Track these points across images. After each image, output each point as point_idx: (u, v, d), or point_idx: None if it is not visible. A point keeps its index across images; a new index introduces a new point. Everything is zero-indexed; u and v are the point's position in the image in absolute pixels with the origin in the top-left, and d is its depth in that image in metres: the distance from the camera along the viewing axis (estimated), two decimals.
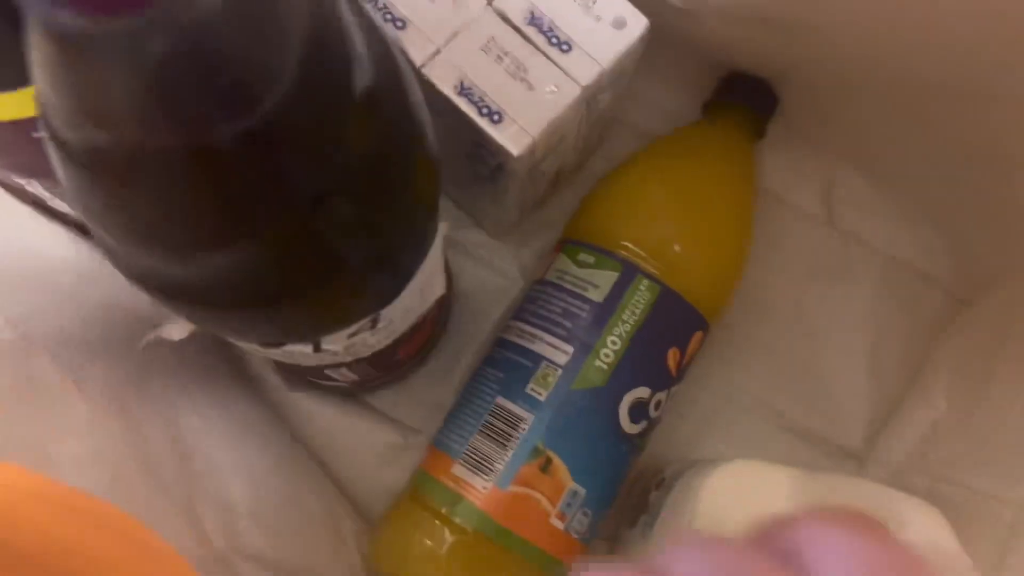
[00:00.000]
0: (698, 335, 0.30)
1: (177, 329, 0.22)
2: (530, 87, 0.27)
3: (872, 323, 0.37)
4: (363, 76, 0.16)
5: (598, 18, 0.28)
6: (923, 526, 0.19)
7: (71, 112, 0.13)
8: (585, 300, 0.30)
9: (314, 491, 0.32)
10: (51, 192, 0.25)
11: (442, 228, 0.23)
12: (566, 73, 0.28)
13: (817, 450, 0.36)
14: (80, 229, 0.28)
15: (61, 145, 0.13)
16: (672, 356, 0.29)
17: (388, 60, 0.18)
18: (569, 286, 0.31)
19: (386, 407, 0.35)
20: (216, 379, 0.31)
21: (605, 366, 0.29)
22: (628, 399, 0.29)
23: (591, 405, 0.29)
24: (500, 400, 0.29)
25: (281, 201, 0.15)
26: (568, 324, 0.30)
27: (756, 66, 0.34)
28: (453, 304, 0.35)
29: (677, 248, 0.30)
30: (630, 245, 0.31)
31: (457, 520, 0.28)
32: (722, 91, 0.35)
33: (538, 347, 0.30)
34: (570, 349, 0.29)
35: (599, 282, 0.30)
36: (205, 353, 0.32)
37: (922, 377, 0.36)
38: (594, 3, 0.28)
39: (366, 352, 0.24)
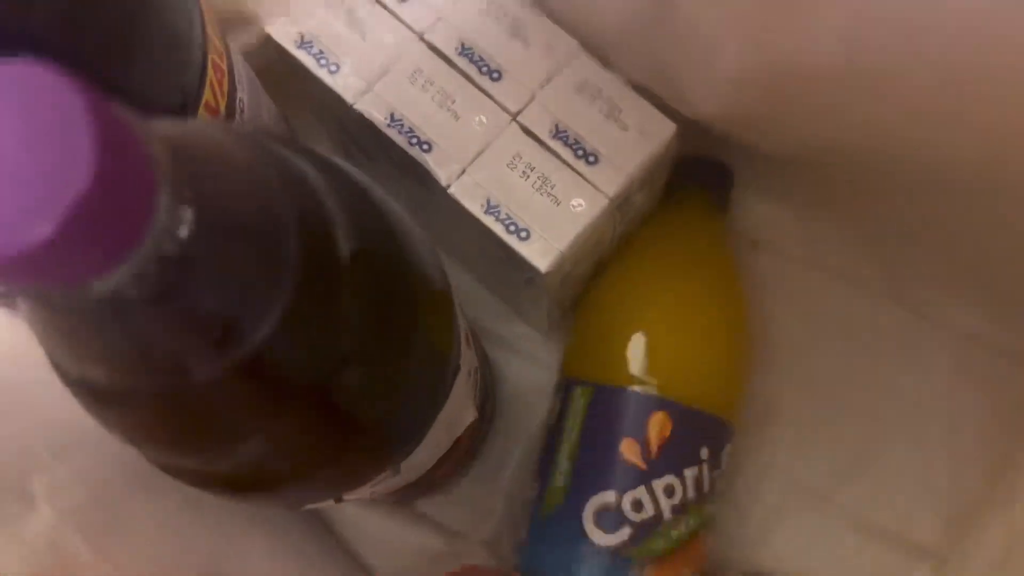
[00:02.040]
0: (657, 416, 0.28)
1: None
2: (557, 201, 0.27)
3: (947, 407, 0.34)
4: (347, 255, 0.15)
5: (624, 127, 0.27)
6: None
7: (64, 353, 0.13)
8: (548, 431, 0.31)
9: None
10: None
11: (467, 361, 0.23)
12: (593, 185, 0.27)
13: (890, 547, 0.33)
14: None
15: (62, 375, 0.14)
16: (629, 448, 0.28)
17: (374, 224, 0.17)
18: (546, 423, 0.32)
19: (434, 511, 0.35)
20: None
21: (561, 485, 0.29)
22: (590, 509, 0.28)
23: (556, 528, 0.28)
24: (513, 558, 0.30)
25: (285, 403, 0.14)
26: (540, 459, 0.31)
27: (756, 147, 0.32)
28: (493, 417, 0.34)
29: (608, 344, 0.30)
30: (566, 361, 0.32)
31: None
32: (677, 177, 0.32)
33: (527, 493, 0.31)
34: (537, 484, 0.30)
35: (554, 409, 0.31)
36: None
37: (1008, 470, 0.33)
38: (620, 112, 0.27)
39: (395, 487, 0.24)
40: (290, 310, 0.14)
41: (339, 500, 0.21)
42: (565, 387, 0.31)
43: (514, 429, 0.35)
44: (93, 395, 0.13)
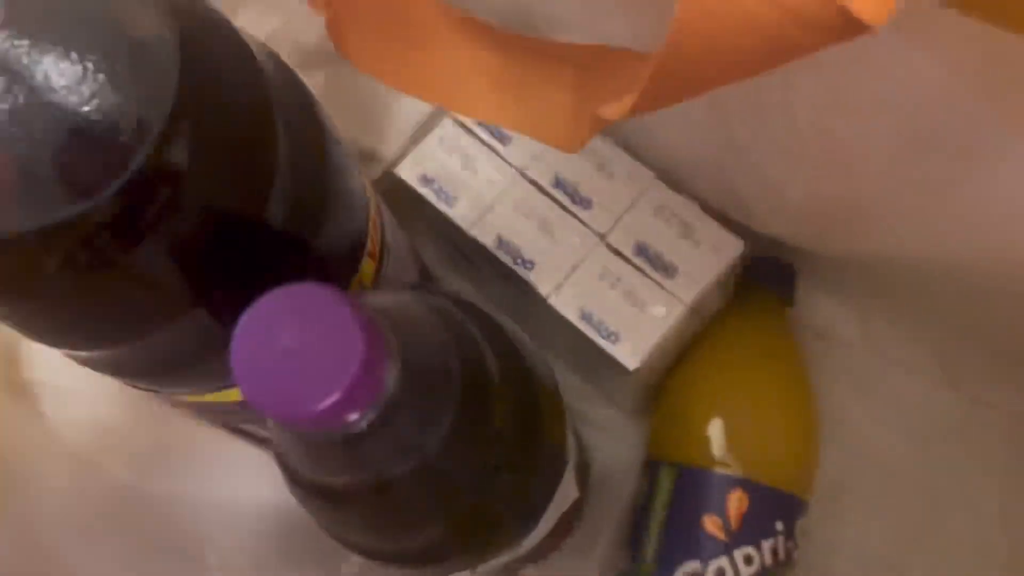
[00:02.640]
0: (736, 493, 0.32)
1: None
2: (642, 309, 0.32)
3: (1006, 487, 0.37)
4: (496, 386, 0.20)
5: (697, 244, 0.32)
6: None
7: (301, 465, 0.18)
8: (638, 508, 0.35)
9: None
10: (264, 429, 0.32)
11: (571, 448, 0.27)
12: (672, 294, 0.32)
13: None
14: None
15: (293, 478, 0.19)
16: (711, 522, 0.32)
17: (509, 351, 0.22)
18: (635, 501, 0.36)
19: None
20: None
21: (651, 556, 0.33)
22: None
23: None
24: None
25: (448, 503, 0.19)
26: (632, 533, 0.35)
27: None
28: (589, 491, 0.38)
29: (689, 429, 0.34)
30: (651, 443, 0.36)
31: None
32: (745, 276, 0.36)
33: (620, 565, 0.35)
34: (628, 556, 0.34)
35: (642, 488, 0.35)
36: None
37: None
38: (693, 231, 0.32)
39: (512, 559, 0.29)
40: (456, 427, 0.19)
41: (474, 571, 0.25)
42: (652, 468, 0.35)
43: (605, 504, 0.39)
44: (319, 493, 0.18)
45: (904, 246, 0.31)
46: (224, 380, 0.24)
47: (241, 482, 0.34)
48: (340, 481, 0.18)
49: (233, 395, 0.25)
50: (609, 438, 0.40)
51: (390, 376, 0.16)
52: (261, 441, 0.33)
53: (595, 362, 0.35)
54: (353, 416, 0.16)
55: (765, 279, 0.37)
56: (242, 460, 0.34)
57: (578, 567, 0.38)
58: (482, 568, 0.25)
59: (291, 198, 0.20)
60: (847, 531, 0.38)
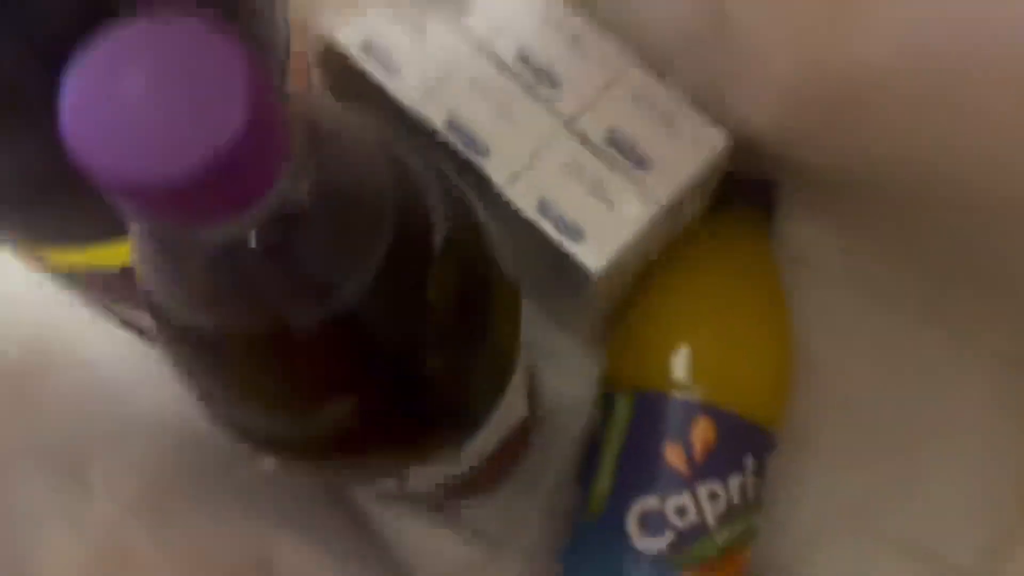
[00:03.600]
0: (701, 422, 0.28)
1: (269, 462, 0.23)
2: (610, 205, 0.28)
3: (985, 431, 0.34)
4: (440, 240, 0.16)
5: (678, 136, 0.28)
6: None
7: (169, 296, 0.13)
8: (589, 441, 0.32)
9: None
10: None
11: (522, 359, 0.23)
12: (646, 191, 0.28)
13: (926, 568, 0.33)
14: None
15: (159, 319, 0.14)
16: (673, 453, 0.28)
17: (461, 211, 0.18)
18: (587, 434, 0.33)
19: (472, 518, 0.35)
20: (305, 496, 0.32)
21: (603, 492, 0.29)
22: (633, 513, 0.28)
23: (599, 533, 0.29)
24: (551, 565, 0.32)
25: (369, 369, 0.15)
26: (581, 468, 0.31)
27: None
28: (537, 420, 0.34)
29: (652, 351, 0.30)
30: (606, 375, 0.32)
31: None
32: (724, 192, 0.33)
33: (568, 501, 0.32)
34: (579, 490, 0.31)
35: (595, 421, 0.32)
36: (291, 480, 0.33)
37: None
38: (674, 122, 0.28)
39: (449, 479, 0.24)
40: (381, 279, 0.14)
41: (403, 481, 0.21)
42: (607, 396, 0.32)
43: (552, 441, 0.35)
44: (195, 342, 0.14)
45: (897, 148, 0.28)
46: (90, 227, 0.19)
47: (131, 387, 0.29)
48: (219, 323, 0.13)
49: (107, 256, 0.20)
50: (561, 370, 0.37)
51: (290, 174, 0.12)
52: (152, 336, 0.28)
53: (552, 276, 0.31)
54: (228, 211, 0.11)
55: (745, 196, 0.33)
56: (133, 362, 0.29)
57: (522, 505, 0.35)
58: (414, 480, 0.21)
59: None
60: (816, 475, 0.35)
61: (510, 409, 0.24)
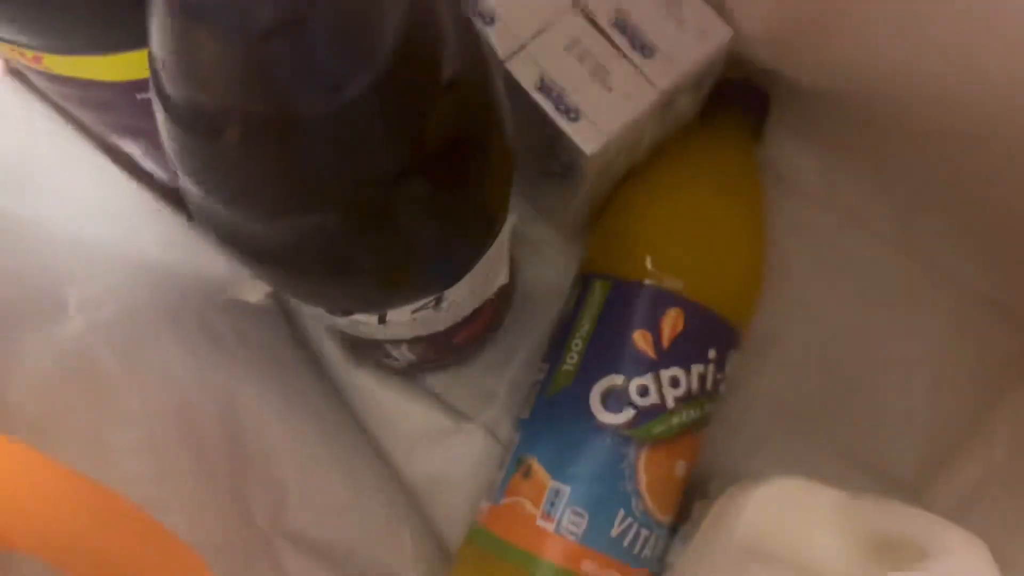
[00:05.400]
0: (672, 312, 0.30)
1: (253, 292, 0.23)
2: (609, 88, 0.28)
3: (938, 354, 0.36)
4: (452, 62, 0.16)
5: (682, 25, 0.28)
6: (967, 559, 0.18)
7: (181, 75, 0.14)
8: (561, 321, 0.33)
9: (366, 469, 0.33)
10: (144, 153, 0.27)
11: (511, 218, 0.24)
12: (646, 77, 0.28)
13: (868, 478, 0.35)
14: (168, 194, 0.29)
15: (167, 102, 0.14)
16: (641, 338, 0.29)
17: (475, 49, 0.18)
18: (560, 315, 0.33)
19: (440, 389, 0.36)
20: (276, 354, 0.32)
21: (571, 367, 0.30)
22: (598, 389, 0.29)
23: (562, 405, 0.30)
24: (511, 434, 0.32)
25: (363, 175, 0.15)
26: (550, 346, 0.32)
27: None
28: (514, 296, 0.35)
29: (631, 241, 0.31)
30: (587, 258, 0.33)
31: (471, 542, 0.31)
32: (717, 97, 0.34)
33: (534, 376, 0.32)
34: (546, 366, 0.32)
35: (570, 302, 0.33)
36: (266, 328, 0.33)
37: (986, 418, 0.35)
38: (680, 10, 0.28)
39: (427, 331, 0.25)
40: (386, 82, 0.15)
41: (383, 321, 0.22)
42: (584, 281, 0.32)
43: (525, 324, 0.36)
44: (202, 124, 0.14)
45: (880, 63, 0.28)
46: (93, 33, 0.19)
47: (115, 223, 0.29)
48: (225, 102, 0.13)
49: (103, 68, 0.20)
50: (540, 259, 0.37)
51: None
52: (142, 176, 0.28)
53: (542, 159, 0.31)
54: None
55: (738, 101, 0.34)
56: (120, 199, 0.29)
57: (488, 382, 0.36)
58: (393, 318, 0.22)
59: None
60: (770, 382, 0.36)
61: (494, 268, 0.25)
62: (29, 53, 0.20)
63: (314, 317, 0.34)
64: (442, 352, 0.30)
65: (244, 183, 0.15)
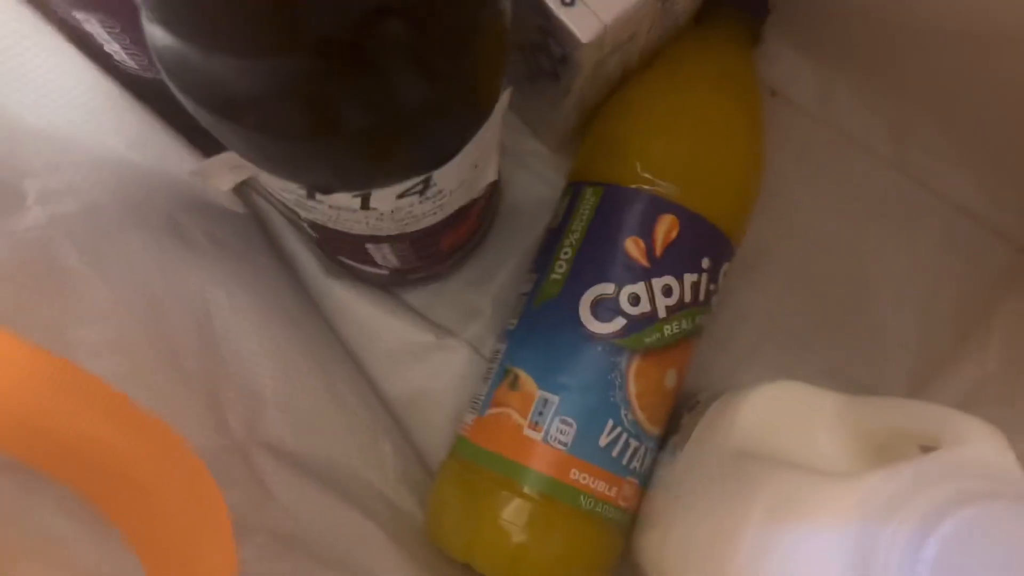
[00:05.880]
0: (666, 218, 0.28)
1: (224, 179, 0.22)
2: None
3: (930, 272, 0.35)
4: None
5: None
6: (983, 443, 0.18)
7: None
8: (549, 231, 0.31)
9: (346, 381, 0.32)
10: (108, 33, 0.25)
11: (503, 98, 0.22)
12: None
13: (859, 394, 0.35)
14: (133, 83, 0.27)
15: None
16: (634, 245, 0.28)
17: None
18: (548, 226, 0.32)
19: (422, 306, 0.35)
20: (250, 261, 0.31)
21: (559, 276, 0.29)
22: (587, 298, 0.28)
23: (551, 315, 0.29)
24: (495, 345, 0.31)
25: (349, 10, 0.14)
26: (538, 256, 0.31)
27: None
28: (499, 208, 0.34)
29: (625, 146, 0.30)
30: (577, 166, 0.32)
31: (456, 455, 0.30)
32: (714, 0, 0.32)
33: (522, 287, 0.31)
34: (534, 276, 0.30)
35: (559, 211, 0.31)
36: (239, 236, 0.32)
37: (976, 333, 0.34)
38: None
39: (411, 228, 0.24)
40: None
41: (365, 205, 0.20)
42: (574, 188, 0.31)
43: (510, 239, 0.35)
44: None
45: None
46: None
47: (76, 115, 0.27)
48: None
49: None
50: (527, 173, 0.36)
51: None
52: (103, 62, 0.26)
53: (536, 54, 0.29)
54: None
55: (735, 3, 0.32)
56: (80, 89, 0.27)
57: (473, 298, 0.35)
58: (376, 201, 0.20)
59: None
60: (760, 299, 0.35)
61: (482, 157, 0.23)
62: None
63: (290, 224, 0.33)
64: (425, 259, 0.29)
65: (221, 14, 0.13)
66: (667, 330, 0.29)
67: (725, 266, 0.31)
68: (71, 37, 0.26)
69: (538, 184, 0.36)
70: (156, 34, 0.15)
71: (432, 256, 0.29)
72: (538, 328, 0.29)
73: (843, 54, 0.35)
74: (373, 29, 0.14)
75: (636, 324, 0.28)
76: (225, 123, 0.16)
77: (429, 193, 0.21)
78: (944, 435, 0.18)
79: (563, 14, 0.26)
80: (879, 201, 0.36)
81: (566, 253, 0.30)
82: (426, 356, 0.34)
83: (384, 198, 0.20)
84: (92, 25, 0.24)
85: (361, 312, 0.33)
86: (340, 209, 0.21)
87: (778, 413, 0.23)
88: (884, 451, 0.21)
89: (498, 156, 0.25)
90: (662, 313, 0.29)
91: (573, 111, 0.32)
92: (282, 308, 0.31)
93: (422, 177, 0.20)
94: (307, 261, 0.33)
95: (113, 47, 0.26)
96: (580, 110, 0.33)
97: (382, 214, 0.22)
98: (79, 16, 0.24)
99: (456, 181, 0.22)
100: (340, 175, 0.18)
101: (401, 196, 0.21)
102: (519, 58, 0.31)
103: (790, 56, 0.36)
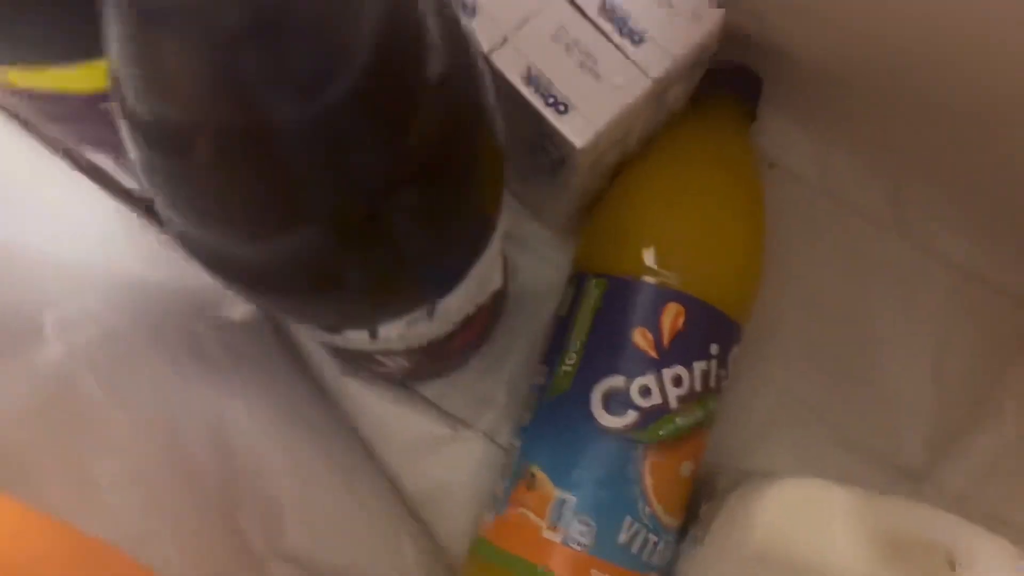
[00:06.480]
0: (671, 307, 0.29)
1: (238, 310, 0.22)
2: (598, 78, 0.27)
3: (939, 335, 0.35)
4: (436, 63, 0.15)
5: (672, 9, 0.27)
6: (997, 566, 0.18)
7: (143, 86, 0.12)
8: (557, 319, 0.31)
9: (365, 481, 0.32)
10: (118, 165, 0.25)
11: (503, 222, 0.23)
12: (636, 65, 0.27)
13: (874, 466, 0.34)
14: (144, 207, 0.28)
15: (132, 119, 0.13)
16: (641, 337, 0.28)
17: (461, 48, 0.17)
18: (556, 312, 0.32)
19: (436, 397, 0.35)
20: (266, 366, 0.31)
21: (570, 369, 0.29)
22: (599, 391, 0.28)
23: (562, 410, 0.29)
24: (511, 440, 0.31)
25: (347, 186, 0.14)
26: (548, 347, 0.31)
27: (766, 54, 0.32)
28: (507, 297, 0.34)
29: (626, 236, 0.30)
30: (580, 256, 0.32)
31: (476, 555, 0.30)
32: (708, 83, 0.33)
33: (534, 379, 0.31)
34: (545, 368, 0.30)
35: (565, 300, 0.32)
36: (255, 341, 0.32)
37: (992, 397, 0.34)
38: None
39: (421, 342, 0.24)
40: (368, 85, 0.13)
41: (374, 336, 0.21)
42: (578, 279, 0.31)
43: (520, 324, 0.35)
44: (170, 137, 0.13)
45: (888, 20, 0.27)
46: (56, 42, 0.18)
47: (91, 241, 0.28)
48: (199, 117, 0.12)
49: (67, 80, 0.19)
50: (532, 257, 0.36)
51: None
52: (117, 190, 0.27)
53: (531, 155, 0.30)
54: None
55: (729, 85, 0.33)
56: (94, 215, 0.28)
57: (486, 386, 0.35)
58: (385, 334, 0.21)
59: None
60: (771, 370, 0.35)
61: (487, 274, 0.24)
62: None
63: (304, 330, 0.33)
64: (437, 360, 0.29)
65: (220, 203, 0.14)
66: (680, 420, 0.29)
67: (734, 349, 0.31)
68: (81, 166, 0.27)
69: (544, 267, 0.36)
70: (158, 204, 0.16)
71: (444, 358, 0.29)
72: (551, 423, 0.29)
73: (839, 124, 0.36)
74: (380, 200, 0.15)
75: (649, 416, 0.28)
76: (229, 283, 0.17)
77: (436, 315, 0.22)
78: (959, 553, 0.18)
79: (557, 121, 0.27)
80: (883, 266, 0.36)
81: (575, 346, 0.30)
82: (443, 449, 0.34)
83: (391, 328, 0.21)
84: (101, 159, 0.25)
85: (377, 408, 0.34)
86: (350, 338, 0.21)
87: (795, 513, 0.23)
88: (902, 555, 0.21)
89: (501, 265, 0.26)
90: (674, 404, 0.29)
91: (574, 200, 0.33)
92: (299, 412, 0.31)
93: (427, 307, 0.21)
94: (322, 360, 0.34)
95: (122, 176, 0.26)
96: (581, 197, 0.33)
97: (391, 339, 0.22)
98: (89, 152, 0.25)
99: (462, 300, 0.23)
100: (347, 319, 0.19)
101: (409, 324, 0.21)
102: (519, 153, 0.32)
103: (786, 128, 0.37)
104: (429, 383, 0.35)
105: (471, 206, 0.19)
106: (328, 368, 0.34)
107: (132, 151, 0.14)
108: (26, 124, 0.25)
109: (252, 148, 0.13)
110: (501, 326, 0.35)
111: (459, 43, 0.17)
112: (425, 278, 0.19)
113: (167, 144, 0.13)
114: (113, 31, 0.12)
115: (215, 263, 0.16)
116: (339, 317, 0.19)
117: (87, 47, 0.18)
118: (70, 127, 0.23)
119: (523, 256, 0.36)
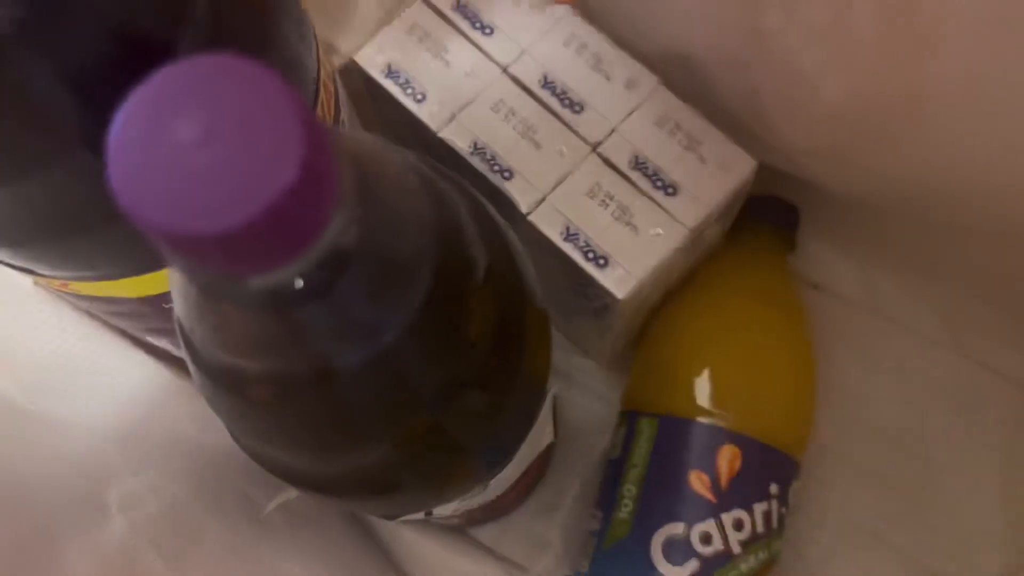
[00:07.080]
0: (727, 450, 0.28)
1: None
2: (635, 231, 0.27)
3: (1003, 453, 0.34)
4: (482, 261, 0.16)
5: (704, 160, 0.28)
6: None
7: (209, 341, 0.13)
8: (609, 461, 0.31)
9: None
10: (178, 347, 0.26)
11: (552, 388, 0.23)
12: (672, 216, 0.27)
13: None
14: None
15: (197, 360, 0.14)
16: (698, 480, 0.28)
17: (493, 231, 0.18)
18: (607, 455, 0.32)
19: (490, 541, 0.35)
20: (320, 524, 0.31)
21: (626, 515, 0.29)
22: (658, 539, 0.28)
23: (621, 560, 0.28)
24: None
25: (408, 407, 0.15)
26: (602, 490, 0.31)
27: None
28: (559, 437, 0.34)
29: (675, 375, 0.30)
30: (630, 394, 0.32)
31: None
32: (745, 215, 0.33)
33: (589, 524, 0.31)
34: (600, 513, 0.30)
35: (616, 440, 0.31)
36: (309, 499, 0.32)
37: None
38: (699, 146, 0.28)
39: (473, 506, 0.24)
40: (425, 319, 0.14)
41: (429, 514, 0.21)
42: (629, 419, 0.31)
43: (572, 462, 0.35)
44: (233, 383, 0.14)
45: (933, 164, 0.27)
46: (117, 265, 0.19)
47: (151, 411, 0.29)
48: (260, 366, 0.13)
49: (127, 287, 0.20)
50: (580, 392, 0.36)
51: (340, 218, 0.12)
52: (174, 361, 0.28)
53: (574, 299, 0.30)
54: (279, 259, 0.11)
55: (767, 218, 0.33)
56: (153, 386, 0.29)
57: (540, 529, 0.34)
58: (439, 511, 0.21)
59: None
60: (831, 497, 0.34)
61: (538, 437, 0.24)
62: (55, 282, 0.20)
63: None
64: (490, 512, 0.29)
65: (283, 434, 0.15)
66: (744, 566, 0.28)
67: (794, 484, 0.30)
68: (141, 345, 0.28)
69: (593, 401, 0.36)
70: (222, 420, 0.17)
71: (497, 510, 0.29)
72: (610, 573, 0.29)
73: (882, 247, 0.36)
74: (443, 411, 0.15)
75: (711, 564, 0.28)
76: (289, 484, 0.17)
77: (491, 485, 0.22)
78: None
79: (599, 275, 0.27)
80: (939, 385, 0.35)
81: (630, 490, 0.29)
82: None
83: (446, 508, 0.21)
84: (162, 342, 0.26)
85: (431, 557, 0.33)
86: (404, 518, 0.22)
87: None
88: None
89: (551, 423, 0.26)
90: (736, 549, 0.28)
91: (619, 338, 0.33)
92: (351, 566, 0.31)
93: (481, 485, 0.21)
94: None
95: (182, 353, 0.27)
96: (626, 335, 0.33)
97: (445, 513, 0.22)
98: (150, 338, 0.26)
99: (516, 468, 0.23)
100: (403, 510, 0.19)
101: (462, 501, 0.21)
102: (564, 297, 0.32)
103: (828, 253, 0.37)
104: (482, 527, 0.34)
105: (525, 382, 0.20)
106: (377, 518, 0.33)
107: (198, 382, 0.15)
108: (88, 312, 0.26)
109: (315, 391, 0.13)
110: (553, 464, 0.35)
111: (494, 236, 0.18)
112: (480, 465, 0.19)
113: (232, 387, 0.14)
114: (176, 288, 0.13)
115: (273, 470, 0.17)
116: (395, 509, 0.19)
117: (144, 264, 0.19)
118: (130, 321, 0.24)
119: (571, 391, 0.36)
